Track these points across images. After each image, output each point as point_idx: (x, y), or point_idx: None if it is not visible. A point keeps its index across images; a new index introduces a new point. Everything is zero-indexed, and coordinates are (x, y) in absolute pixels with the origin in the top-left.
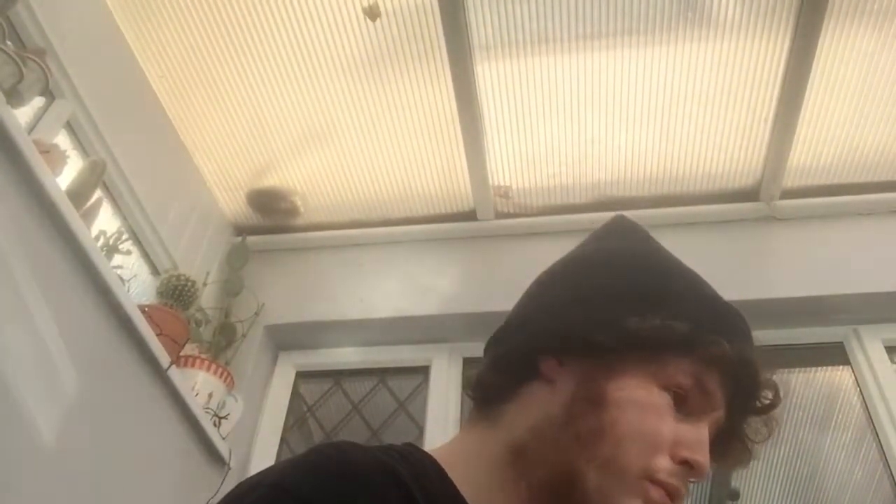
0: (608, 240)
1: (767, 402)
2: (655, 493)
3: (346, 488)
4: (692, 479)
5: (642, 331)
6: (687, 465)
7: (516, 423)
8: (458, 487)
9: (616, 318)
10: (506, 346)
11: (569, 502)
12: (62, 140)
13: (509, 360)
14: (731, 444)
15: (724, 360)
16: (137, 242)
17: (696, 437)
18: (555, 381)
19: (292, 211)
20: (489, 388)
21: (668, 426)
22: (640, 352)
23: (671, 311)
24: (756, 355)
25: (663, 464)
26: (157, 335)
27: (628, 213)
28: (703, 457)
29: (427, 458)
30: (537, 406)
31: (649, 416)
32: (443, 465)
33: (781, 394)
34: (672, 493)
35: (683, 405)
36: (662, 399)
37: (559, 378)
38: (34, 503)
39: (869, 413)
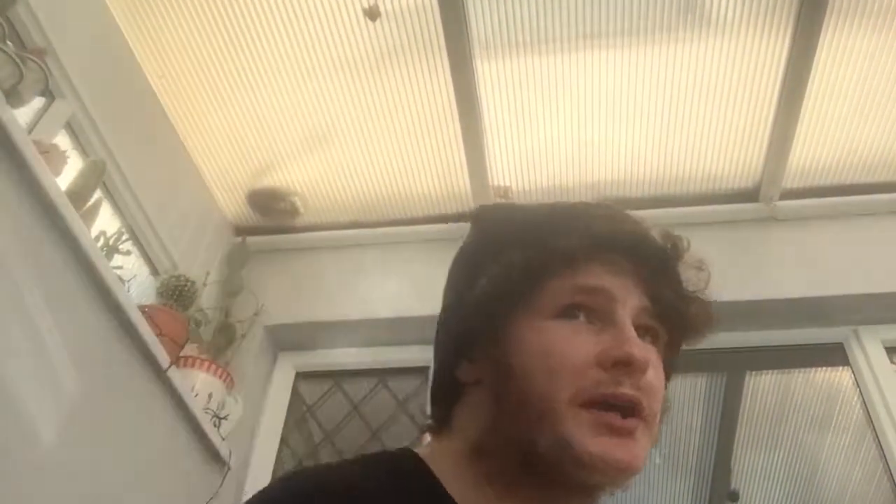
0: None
1: (673, 250)
2: (604, 417)
3: None
4: (635, 376)
5: (488, 287)
6: (621, 365)
7: (467, 427)
8: (446, 486)
9: (465, 294)
10: (433, 377)
11: (547, 477)
12: (62, 140)
13: (437, 391)
14: (679, 311)
15: (583, 250)
16: (137, 243)
17: (616, 336)
18: (481, 379)
19: (292, 211)
20: (435, 419)
21: (579, 345)
22: (506, 304)
23: (503, 256)
24: (625, 223)
25: (590, 378)
26: (157, 336)
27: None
28: (629, 347)
29: (414, 458)
30: (478, 405)
31: (549, 345)
32: (429, 463)
33: (678, 236)
34: (622, 400)
35: (590, 316)
36: (560, 325)
37: (479, 374)
38: (34, 503)
39: (868, 414)
